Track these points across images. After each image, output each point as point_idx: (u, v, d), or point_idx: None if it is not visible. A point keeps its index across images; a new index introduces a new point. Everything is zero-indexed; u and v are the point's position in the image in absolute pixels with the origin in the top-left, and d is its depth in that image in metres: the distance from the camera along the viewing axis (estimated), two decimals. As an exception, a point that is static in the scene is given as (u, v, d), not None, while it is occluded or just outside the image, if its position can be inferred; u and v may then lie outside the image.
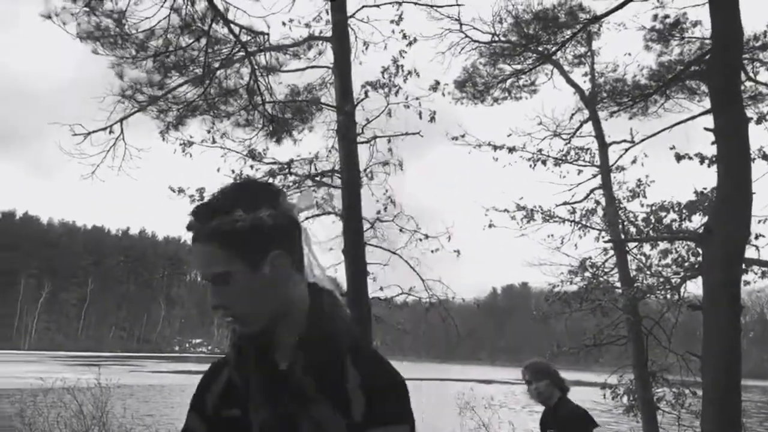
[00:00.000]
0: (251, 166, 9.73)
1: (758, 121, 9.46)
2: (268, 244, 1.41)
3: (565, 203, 11.65)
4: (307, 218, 9.88)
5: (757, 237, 9.24)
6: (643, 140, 11.39)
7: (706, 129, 7.77)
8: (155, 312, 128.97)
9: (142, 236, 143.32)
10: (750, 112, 9.08)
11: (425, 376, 49.38)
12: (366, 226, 9.64)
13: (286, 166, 9.59)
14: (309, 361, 1.41)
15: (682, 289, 10.46)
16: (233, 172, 9.50)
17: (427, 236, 9.69)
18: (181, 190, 9.67)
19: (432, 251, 9.74)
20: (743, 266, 8.04)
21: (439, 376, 50.48)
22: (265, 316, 1.43)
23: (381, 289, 9.76)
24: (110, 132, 8.99)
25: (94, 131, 8.81)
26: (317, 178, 9.77)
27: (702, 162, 9.26)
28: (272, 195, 1.45)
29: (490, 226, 11.62)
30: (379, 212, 10.05)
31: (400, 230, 9.84)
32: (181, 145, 9.61)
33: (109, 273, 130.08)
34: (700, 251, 8.86)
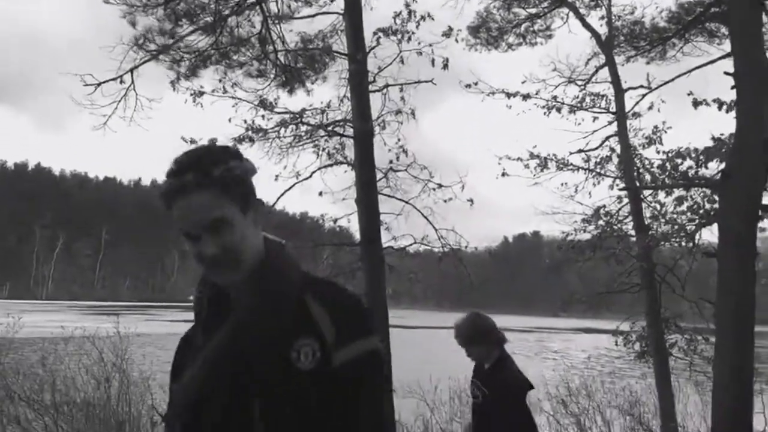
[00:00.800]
0: (263, 116, 9.66)
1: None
2: (252, 192, 1.56)
3: (579, 151, 11.53)
4: (319, 168, 9.87)
5: (774, 184, 9.14)
6: (660, 86, 11.19)
7: (726, 73, 7.61)
8: (169, 263, 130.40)
9: (155, 187, 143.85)
10: (771, 56, 8.87)
11: (437, 325, 49.94)
12: (378, 175, 9.59)
13: (297, 116, 9.51)
14: (267, 301, 1.51)
15: (696, 237, 10.43)
16: (245, 122, 9.45)
17: (440, 186, 9.64)
18: (193, 141, 9.61)
19: (445, 201, 9.70)
20: (759, 213, 7.97)
21: (450, 325, 51.04)
22: (249, 262, 1.51)
23: (394, 238, 9.77)
24: (121, 82, 8.93)
25: (104, 81, 8.74)
26: (329, 128, 9.70)
27: (720, 108, 9.10)
28: (233, 152, 1.57)
29: (503, 174, 11.55)
30: (391, 162, 9.99)
31: (414, 180, 9.80)
32: (192, 95, 9.53)
33: (123, 224, 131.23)
34: (716, 198, 8.79)
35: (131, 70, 8.98)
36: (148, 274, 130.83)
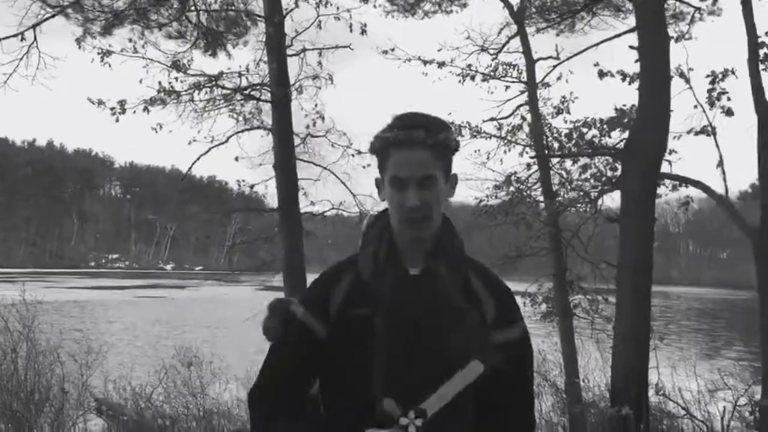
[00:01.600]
0: (176, 78, 9.39)
1: (677, 40, 9.76)
2: (450, 164, 1.75)
3: (492, 119, 11.83)
4: (235, 133, 9.72)
5: (670, 152, 9.69)
6: (569, 58, 11.57)
7: (631, 47, 7.99)
8: (68, 227, 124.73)
9: (51, 148, 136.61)
10: (671, 31, 9.35)
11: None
12: (296, 141, 9.57)
13: (213, 79, 9.30)
14: (446, 265, 1.71)
15: (599, 203, 10.97)
16: (159, 84, 9.16)
17: (359, 152, 9.71)
18: (101, 102, 9.27)
19: (363, 167, 9.80)
20: (657, 180, 8.46)
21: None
22: (435, 223, 1.73)
23: (312, 204, 9.81)
24: (22, 39, 8.45)
25: (5, 38, 8.25)
26: (246, 92, 9.55)
27: (624, 79, 9.52)
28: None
29: (418, 141, 11.65)
30: (308, 127, 9.97)
31: (332, 145, 9.83)
32: (99, 54, 9.14)
33: (15, 186, 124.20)
34: (619, 166, 9.27)
35: (33, 27, 8.51)
36: (44, 239, 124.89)
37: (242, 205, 11.43)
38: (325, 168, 9.82)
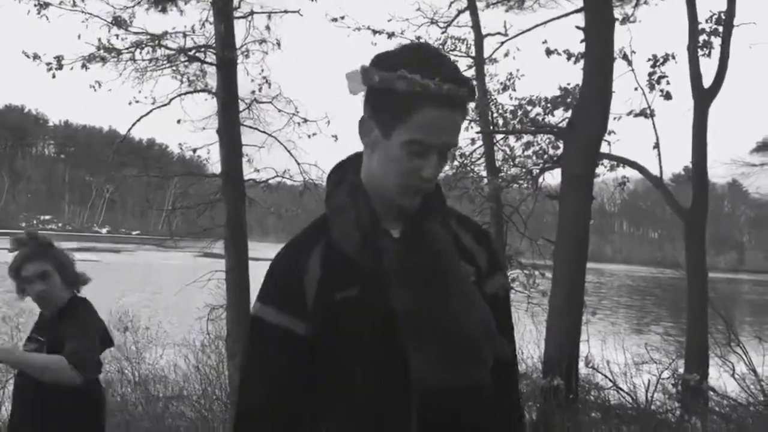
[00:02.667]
0: (116, 35, 9.08)
1: (622, 22, 9.94)
2: None
3: (439, 92, 11.84)
4: (178, 95, 9.48)
5: (609, 133, 9.93)
6: (517, 35, 11.67)
7: (577, 27, 8.10)
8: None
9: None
10: (617, 13, 9.51)
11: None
12: (242, 106, 9.41)
13: (156, 38, 9.02)
14: (436, 222, 1.47)
15: (540, 180, 11.19)
16: (99, 40, 8.84)
17: (305, 120, 9.62)
18: (36, 57, 8.90)
19: (309, 135, 9.72)
20: (597, 160, 8.67)
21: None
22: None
23: (256, 171, 9.70)
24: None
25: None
26: (190, 53, 9.31)
27: (569, 59, 9.69)
28: None
29: (365, 112, 11.64)
30: (254, 92, 9.82)
31: (278, 112, 9.70)
32: (36, 6, 8.74)
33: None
34: (561, 144, 9.45)
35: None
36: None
37: (183, 169, 11.22)
38: (270, 135, 9.71)
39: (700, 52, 8.02)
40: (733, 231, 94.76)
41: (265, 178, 9.70)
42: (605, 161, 10.45)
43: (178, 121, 9.55)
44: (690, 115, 8.09)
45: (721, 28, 8.08)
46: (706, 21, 8.18)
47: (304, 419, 1.41)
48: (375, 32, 11.32)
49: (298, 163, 9.77)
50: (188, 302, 9.92)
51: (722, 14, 8.06)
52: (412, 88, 1.31)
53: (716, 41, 8.10)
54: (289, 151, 9.66)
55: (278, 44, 9.60)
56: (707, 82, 7.97)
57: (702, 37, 8.06)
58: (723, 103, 8.34)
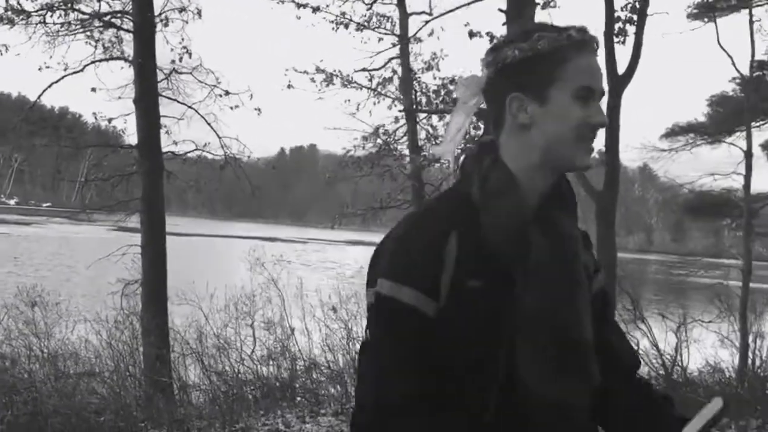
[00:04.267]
0: (25, -4, 8.62)
1: (543, 6, 10.14)
2: None
3: (364, 69, 11.83)
4: (93, 62, 9.11)
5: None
6: (442, 14, 11.71)
7: (500, 10, 8.22)
8: None
9: None
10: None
11: (212, 233, 49.37)
12: (160, 76, 9.13)
13: (69, 1, 8.62)
14: (567, 212, 1.41)
15: (461, 159, 11.35)
16: (7, 1, 8.38)
17: (227, 93, 9.42)
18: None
19: (231, 108, 9.53)
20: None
21: (224, 233, 50.74)
22: None
23: (174, 143, 9.46)
24: None
25: None
26: (105, 18, 8.94)
27: (491, 41, 9.82)
28: None
29: (289, 87, 11.55)
30: (173, 62, 9.54)
31: (199, 84, 9.47)
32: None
33: None
34: (481, 125, 9.61)
35: None
36: None
37: (98, 139, 10.80)
38: (189, 107, 9.48)
39: (615, 39, 8.27)
40: (642, 213, 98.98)
41: (185, 151, 9.49)
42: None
43: (93, 90, 9.20)
44: (604, 100, 8.36)
45: (635, 17, 8.36)
46: (622, 9, 8.44)
47: (447, 406, 1.31)
48: (299, 5, 11.16)
49: (219, 137, 9.60)
50: (101, 277, 9.63)
51: (637, 3, 8.34)
52: (557, 42, 1.33)
53: (631, 29, 8.38)
54: (209, 124, 9.47)
55: (199, 13, 9.36)
56: (621, 68, 8.24)
57: (618, 25, 8.31)
58: (636, 89, 8.63)
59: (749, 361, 9.33)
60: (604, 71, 1.42)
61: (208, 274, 10.65)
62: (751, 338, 9.70)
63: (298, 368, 8.19)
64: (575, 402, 1.31)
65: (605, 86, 1.40)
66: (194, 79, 9.43)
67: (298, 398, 7.65)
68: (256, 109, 9.75)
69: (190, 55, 9.47)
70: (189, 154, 9.58)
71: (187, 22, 9.30)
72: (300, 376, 8.13)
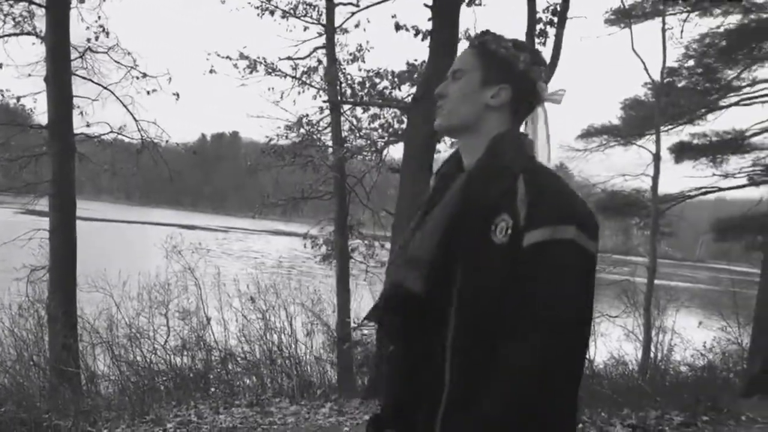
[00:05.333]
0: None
1: (469, 4, 10.29)
2: (505, 78, 1.63)
3: (289, 58, 11.69)
4: (1, 36, 8.65)
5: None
6: (368, 6, 11.71)
7: (425, 5, 8.29)
8: None
9: None
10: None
11: (127, 219, 47.71)
12: (74, 54, 8.75)
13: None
14: (476, 175, 1.59)
15: (384, 153, 11.43)
16: None
17: (145, 75, 9.12)
18: None
19: (148, 92, 9.24)
20: (437, 136, 8.97)
21: (140, 219, 49.16)
22: (460, 119, 1.66)
23: (88, 125, 9.09)
24: None
25: None
26: (16, -9, 8.50)
27: (417, 35, 9.89)
28: (540, 59, 1.69)
29: (211, 71, 11.30)
30: (89, 40, 9.17)
31: (115, 65, 9.13)
32: None
33: None
34: (405, 119, 9.68)
35: None
36: None
37: (5, 118, 10.26)
38: (105, 88, 9.13)
39: (536, 40, 8.48)
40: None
41: (99, 133, 9.13)
42: (447, 138, 10.85)
43: (0, 66, 8.73)
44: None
45: (556, 19, 8.59)
46: (544, 11, 8.67)
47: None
48: (221, -11, 10.90)
49: (136, 120, 9.30)
50: (6, 262, 9.18)
51: (558, 6, 8.57)
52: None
53: (552, 31, 8.61)
54: (126, 107, 9.16)
55: (118, -9, 9.01)
56: (541, 69, 8.46)
57: (539, 26, 8.53)
58: (554, 89, 8.88)
59: (651, 355, 9.81)
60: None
61: (121, 262, 10.30)
62: (654, 333, 10.20)
63: (213, 359, 8.06)
64: (410, 287, 1.56)
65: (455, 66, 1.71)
66: (110, 59, 9.10)
67: (213, 389, 7.52)
68: (174, 94, 9.46)
69: (107, 34, 9.14)
70: (104, 137, 9.24)
71: (104, 0, 8.95)
72: (215, 367, 8.01)
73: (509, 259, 1.47)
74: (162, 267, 8.66)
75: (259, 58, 11.31)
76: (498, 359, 1.43)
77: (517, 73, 1.64)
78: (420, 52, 20.83)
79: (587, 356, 7.76)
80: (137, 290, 8.51)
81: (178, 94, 9.56)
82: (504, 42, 1.67)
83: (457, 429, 1.47)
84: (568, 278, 1.47)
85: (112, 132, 9.24)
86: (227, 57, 11.21)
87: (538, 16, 8.44)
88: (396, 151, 11.48)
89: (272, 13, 11.56)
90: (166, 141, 9.92)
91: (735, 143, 15.76)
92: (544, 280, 1.45)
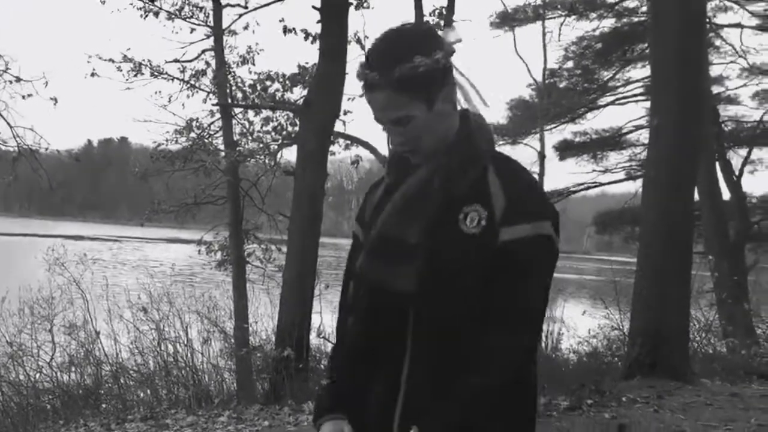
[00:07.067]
0: None
1: (357, 7, 10.39)
2: (441, 84, 1.51)
3: (175, 60, 11.41)
4: None
5: (345, 113, 10.38)
6: (256, 8, 11.59)
7: (314, 8, 8.31)
8: None
9: None
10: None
11: (6, 231, 44.83)
12: (-62, 56, 8.19)
13: None
14: (449, 166, 1.54)
15: (278, 155, 11.36)
16: None
17: (18, 79, 8.65)
18: None
19: (24, 96, 8.77)
20: (331, 138, 9.02)
21: (19, 231, 46.39)
22: (435, 145, 1.54)
23: (-45, 132, 8.53)
24: None
25: None
26: None
27: (306, 38, 9.91)
28: (439, 37, 1.54)
29: (92, 75, 10.87)
30: (-45, 41, 8.59)
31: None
32: None
33: None
34: (298, 121, 9.67)
35: None
36: None
37: None
38: (-26, 92, 8.59)
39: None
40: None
41: (-31, 140, 8.58)
42: (341, 140, 10.91)
43: None
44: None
45: (443, 22, 8.85)
46: (430, 14, 8.91)
47: None
48: (102, -11, 10.50)
49: (11, 126, 8.81)
50: None
51: (444, 9, 8.83)
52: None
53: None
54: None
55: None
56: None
57: (426, 29, 8.74)
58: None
59: (543, 345, 10.24)
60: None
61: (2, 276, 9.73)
62: (543, 324, 10.64)
63: (103, 374, 7.75)
64: (395, 285, 1.53)
65: (390, 116, 1.53)
66: (-21, 61, 8.56)
67: (104, 405, 7.24)
68: (51, 98, 9.04)
69: (-24, 35, 8.59)
70: (-25, 145, 8.70)
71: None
72: (106, 382, 7.71)
73: (481, 249, 1.48)
74: (45, 280, 8.25)
75: (144, 60, 10.99)
76: (479, 343, 1.47)
77: (444, 71, 1.52)
78: (311, 54, 20.83)
79: None
80: (18, 306, 8.07)
81: (56, 99, 9.13)
82: (409, 58, 1.46)
83: (445, 406, 1.46)
84: (544, 272, 1.55)
85: (-15, 139, 8.72)
86: (110, 60, 10.83)
87: (425, 18, 8.65)
88: (290, 154, 11.44)
89: (156, 14, 11.24)
90: (46, 148, 9.46)
91: (613, 140, 16.76)
92: (524, 274, 1.50)
